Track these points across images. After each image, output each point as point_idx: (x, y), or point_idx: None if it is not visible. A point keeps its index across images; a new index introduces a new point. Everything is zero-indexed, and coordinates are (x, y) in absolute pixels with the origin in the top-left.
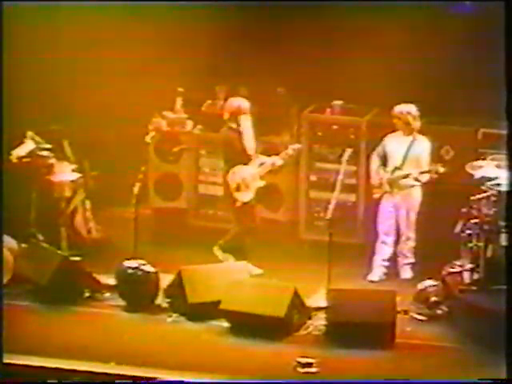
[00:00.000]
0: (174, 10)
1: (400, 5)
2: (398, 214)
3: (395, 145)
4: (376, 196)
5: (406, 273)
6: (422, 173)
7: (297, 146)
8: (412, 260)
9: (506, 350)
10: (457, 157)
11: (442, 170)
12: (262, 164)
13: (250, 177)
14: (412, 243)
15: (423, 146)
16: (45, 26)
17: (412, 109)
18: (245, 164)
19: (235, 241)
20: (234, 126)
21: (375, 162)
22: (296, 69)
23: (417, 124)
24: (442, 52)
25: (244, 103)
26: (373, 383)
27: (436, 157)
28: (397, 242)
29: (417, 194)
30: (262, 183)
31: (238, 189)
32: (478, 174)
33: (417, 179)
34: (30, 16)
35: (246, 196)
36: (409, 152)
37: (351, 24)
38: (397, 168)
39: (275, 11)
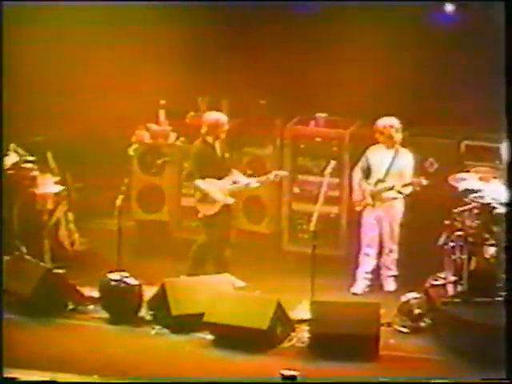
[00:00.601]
0: (155, 22)
1: (382, 17)
2: (381, 226)
3: (378, 158)
4: (358, 209)
5: (390, 285)
6: (406, 185)
7: (282, 172)
8: (395, 272)
9: (506, 353)
10: (440, 169)
11: (425, 182)
12: (235, 182)
13: (218, 191)
14: (395, 255)
15: (406, 159)
16: (25, 37)
17: (394, 122)
18: (219, 178)
19: (203, 251)
20: (209, 140)
21: (357, 174)
22: (280, 81)
23: (399, 137)
24: (425, 64)
25: (222, 117)
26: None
27: (420, 169)
28: (380, 254)
29: (399, 207)
30: (231, 200)
31: (202, 200)
32: (461, 186)
33: (400, 192)
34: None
35: (209, 209)
36: (392, 165)
37: (336, 37)
38: (380, 181)
39: (258, 23)
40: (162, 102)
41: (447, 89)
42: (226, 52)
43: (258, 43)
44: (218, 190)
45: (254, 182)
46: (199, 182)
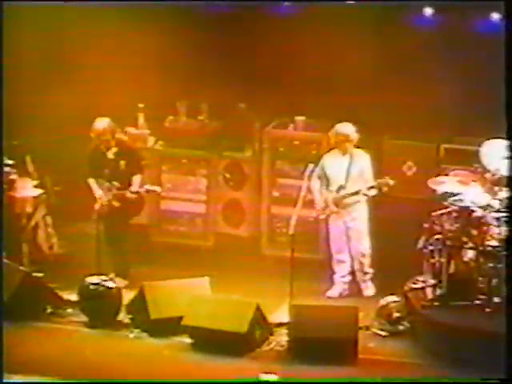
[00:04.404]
0: (134, 26)
1: (361, 19)
2: (349, 231)
3: (334, 165)
4: (322, 217)
5: (369, 290)
6: (372, 187)
7: (153, 187)
8: (370, 276)
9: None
10: (419, 172)
11: (391, 182)
12: (120, 188)
13: (99, 191)
14: (368, 259)
15: (363, 161)
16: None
17: (348, 128)
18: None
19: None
20: (101, 147)
21: (316, 183)
22: (258, 84)
23: (353, 142)
24: (403, 67)
25: (108, 125)
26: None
27: (398, 173)
28: (353, 259)
29: (363, 209)
30: (117, 204)
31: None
32: (440, 189)
33: (365, 194)
34: None
35: (95, 206)
36: (350, 169)
37: (314, 40)
38: (342, 187)
39: (236, 26)
40: (141, 105)
41: (426, 92)
42: (205, 55)
43: (236, 47)
44: (100, 190)
45: (132, 190)
46: (90, 180)
